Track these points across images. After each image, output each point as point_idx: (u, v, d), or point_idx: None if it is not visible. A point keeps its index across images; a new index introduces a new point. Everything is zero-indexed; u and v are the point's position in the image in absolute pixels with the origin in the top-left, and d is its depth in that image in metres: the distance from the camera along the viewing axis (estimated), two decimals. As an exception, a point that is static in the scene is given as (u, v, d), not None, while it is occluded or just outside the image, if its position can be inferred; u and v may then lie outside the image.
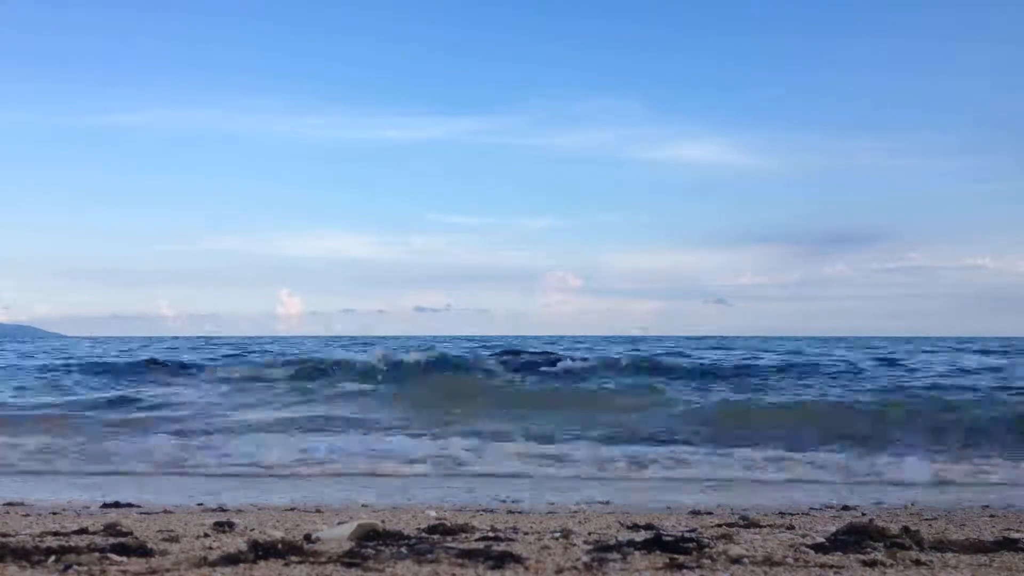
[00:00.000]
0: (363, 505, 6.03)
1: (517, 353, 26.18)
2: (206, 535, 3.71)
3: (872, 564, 2.98)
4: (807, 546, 3.36)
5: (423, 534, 3.65)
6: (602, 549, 3.21)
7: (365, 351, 27.56)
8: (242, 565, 2.81)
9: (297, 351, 31.90)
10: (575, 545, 3.37)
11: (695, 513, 5.43)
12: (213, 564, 2.83)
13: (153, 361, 23.87)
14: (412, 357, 20.90)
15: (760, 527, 4.30)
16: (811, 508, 5.94)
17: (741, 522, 4.57)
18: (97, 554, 2.93)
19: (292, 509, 5.57)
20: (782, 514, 5.33)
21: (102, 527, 3.87)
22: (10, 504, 5.74)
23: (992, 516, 5.45)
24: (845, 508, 6.03)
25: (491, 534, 3.76)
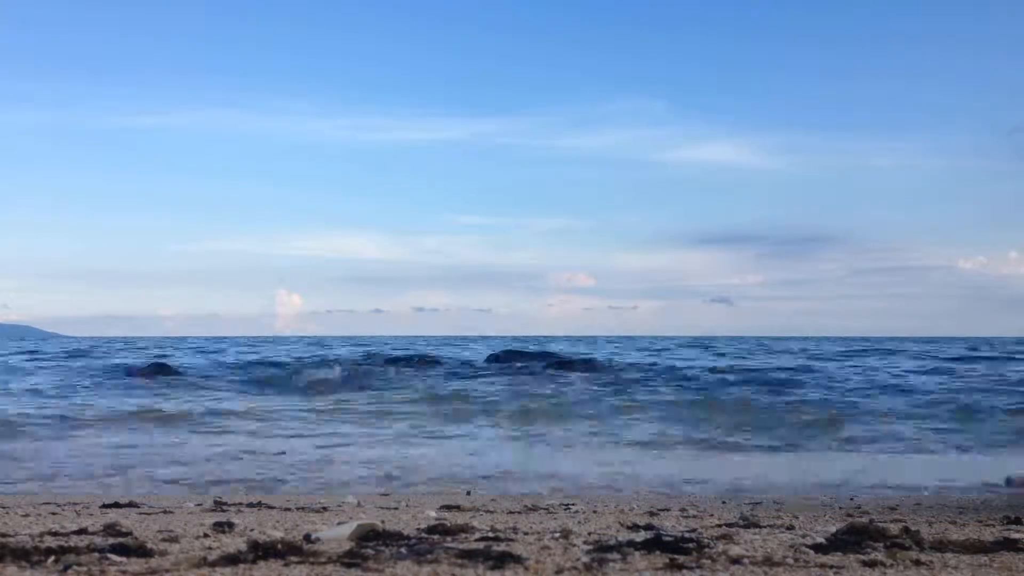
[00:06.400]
0: (359, 504, 6.02)
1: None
2: (206, 535, 3.70)
3: (872, 564, 2.98)
4: (807, 546, 3.36)
5: (423, 534, 3.65)
6: (602, 549, 3.20)
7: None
8: (241, 565, 2.80)
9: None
10: (575, 545, 3.36)
11: (695, 514, 5.43)
12: (213, 564, 2.83)
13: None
14: None
15: (760, 527, 4.30)
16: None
17: (741, 522, 4.57)
18: (96, 554, 2.93)
19: (290, 509, 5.56)
20: (781, 514, 5.34)
21: (101, 527, 3.87)
22: (3, 508, 5.74)
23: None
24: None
25: (491, 534, 3.75)
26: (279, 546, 2.99)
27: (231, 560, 2.86)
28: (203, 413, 15.05)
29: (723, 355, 38.44)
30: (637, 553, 3.09)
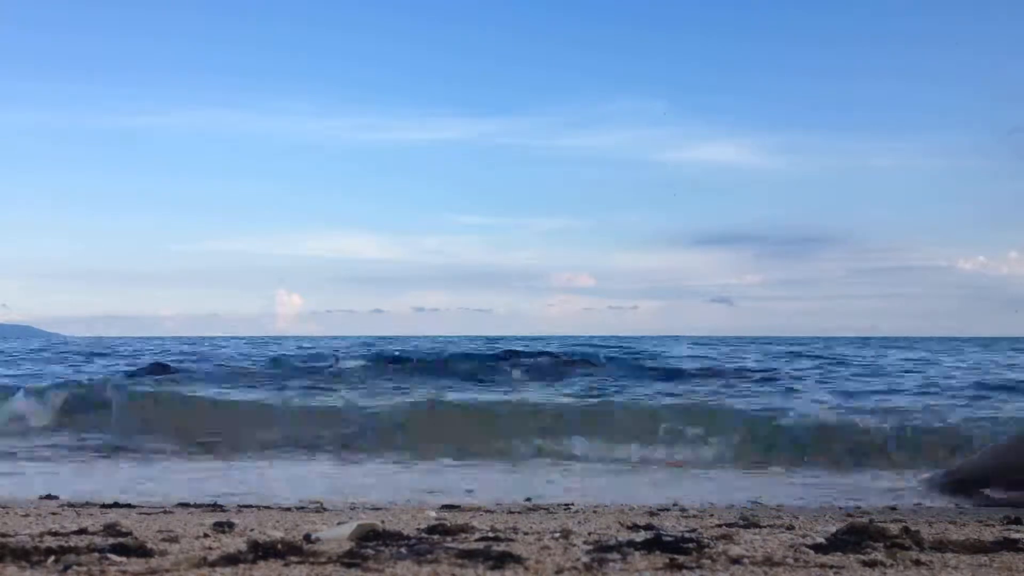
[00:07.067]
0: (352, 508, 6.03)
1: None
2: (206, 535, 3.71)
3: (872, 564, 2.98)
4: (807, 546, 3.36)
5: (423, 534, 3.65)
6: (602, 549, 3.21)
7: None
8: (242, 565, 2.81)
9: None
10: (575, 545, 3.36)
11: (695, 514, 5.43)
12: (213, 564, 2.83)
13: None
14: None
15: (760, 527, 4.30)
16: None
17: (741, 522, 4.57)
18: (97, 554, 2.93)
19: (290, 509, 5.56)
20: (781, 514, 5.34)
21: (102, 527, 3.87)
22: (3, 508, 5.74)
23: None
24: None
25: (491, 534, 3.76)
26: (279, 546, 2.99)
27: (231, 560, 2.86)
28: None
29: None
30: (637, 553, 3.10)
